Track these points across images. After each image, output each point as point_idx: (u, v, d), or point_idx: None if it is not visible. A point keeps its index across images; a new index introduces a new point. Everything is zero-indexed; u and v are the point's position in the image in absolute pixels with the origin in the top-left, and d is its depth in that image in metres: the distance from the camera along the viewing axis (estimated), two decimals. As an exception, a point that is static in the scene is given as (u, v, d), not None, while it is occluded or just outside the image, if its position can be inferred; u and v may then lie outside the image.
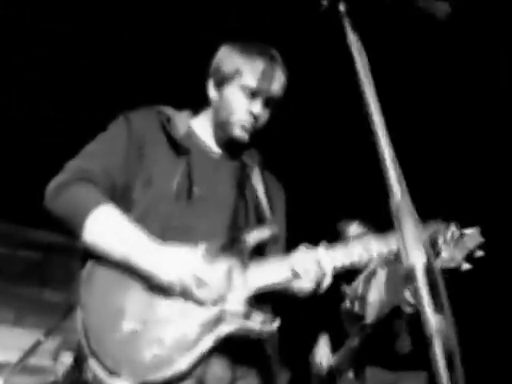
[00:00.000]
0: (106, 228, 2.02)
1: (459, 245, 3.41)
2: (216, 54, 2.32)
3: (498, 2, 3.80)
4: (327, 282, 2.12)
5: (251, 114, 2.23)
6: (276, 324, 2.03)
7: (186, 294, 1.98)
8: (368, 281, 3.95)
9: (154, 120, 2.25)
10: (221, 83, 2.27)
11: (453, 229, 2.65)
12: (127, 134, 2.19)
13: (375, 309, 3.76)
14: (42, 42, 4.06)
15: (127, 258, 1.99)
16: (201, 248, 2.03)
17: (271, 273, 2.10)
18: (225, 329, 2.00)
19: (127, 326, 1.95)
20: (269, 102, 2.26)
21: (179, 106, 2.37)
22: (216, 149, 2.32)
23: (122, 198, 2.12)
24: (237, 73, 2.23)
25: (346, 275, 3.75)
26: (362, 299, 3.90)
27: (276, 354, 2.20)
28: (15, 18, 3.98)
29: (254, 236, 2.13)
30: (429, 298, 1.32)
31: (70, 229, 2.03)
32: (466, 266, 3.40)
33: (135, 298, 1.99)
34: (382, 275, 3.91)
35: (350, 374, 3.68)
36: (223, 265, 2.06)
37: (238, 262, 2.09)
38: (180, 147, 2.22)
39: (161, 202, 2.11)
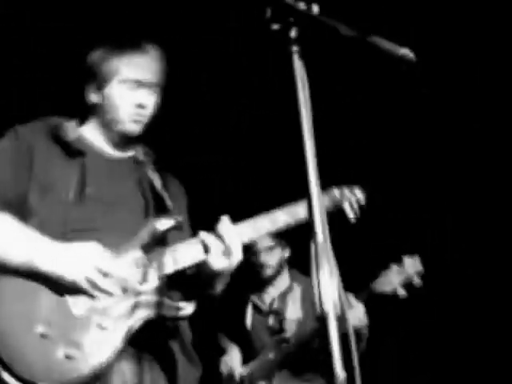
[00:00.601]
0: (1, 235, 2.03)
1: (398, 269, 3.39)
2: (87, 59, 2.32)
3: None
4: (237, 257, 2.14)
5: (138, 105, 2.25)
6: (190, 308, 2.09)
7: (92, 290, 1.99)
8: (284, 296, 3.92)
9: (41, 128, 2.26)
10: (101, 85, 2.27)
11: (357, 192, 2.58)
12: (15, 146, 2.19)
13: (295, 325, 3.76)
14: (42, 42, 4.03)
15: (28, 263, 1.99)
16: (103, 242, 2.05)
17: (181, 257, 2.13)
18: (139, 316, 2.04)
19: (39, 331, 1.94)
20: (152, 90, 2.28)
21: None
22: (110, 151, 2.33)
23: (18, 210, 2.11)
24: (114, 70, 2.24)
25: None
26: (278, 314, 3.85)
27: (186, 352, 2.24)
28: (15, 18, 3.96)
29: (160, 224, 2.15)
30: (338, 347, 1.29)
31: None
32: (402, 293, 3.37)
33: (44, 302, 1.98)
34: (297, 291, 3.90)
35: None
36: (128, 255, 2.08)
37: (144, 251, 2.10)
38: (73, 150, 2.24)
39: (60, 208, 2.11)
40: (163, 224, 2.16)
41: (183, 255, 2.14)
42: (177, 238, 2.21)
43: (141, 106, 2.25)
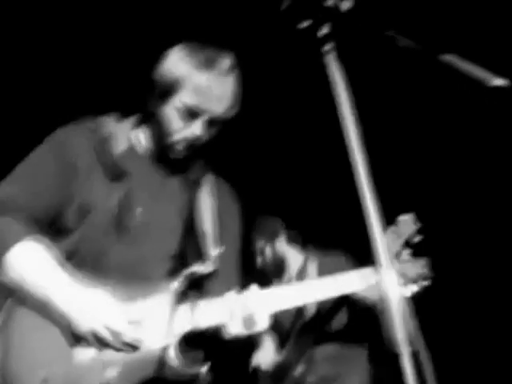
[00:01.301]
0: (25, 266, 1.90)
1: (393, 231, 3.23)
2: (163, 57, 2.05)
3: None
4: (261, 327, 1.94)
5: (190, 133, 1.98)
6: (206, 368, 1.92)
7: (101, 344, 1.86)
8: (301, 275, 3.75)
9: (87, 140, 2.05)
10: (160, 95, 2.01)
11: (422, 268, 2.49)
12: (56, 157, 2.01)
13: (314, 304, 3.55)
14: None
15: (46, 301, 1.87)
16: (120, 291, 1.91)
17: (203, 315, 1.94)
18: (148, 373, 1.89)
19: (41, 376, 1.82)
20: (213, 122, 2.00)
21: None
22: (159, 164, 2.11)
23: (52, 226, 1.98)
24: (176, 85, 1.96)
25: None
26: None
27: None
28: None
29: (191, 272, 1.99)
30: None
31: None
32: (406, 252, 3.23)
33: (52, 343, 1.87)
34: (313, 268, 3.74)
35: (299, 369, 3.54)
36: (146, 308, 1.93)
37: (167, 302, 1.94)
38: (118, 171, 2.03)
39: (97, 234, 1.97)
40: (195, 272, 1.99)
41: (209, 314, 1.96)
42: (212, 283, 2.05)
43: (192, 138, 1.99)
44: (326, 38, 1.45)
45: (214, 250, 2.06)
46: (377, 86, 3.76)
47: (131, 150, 2.10)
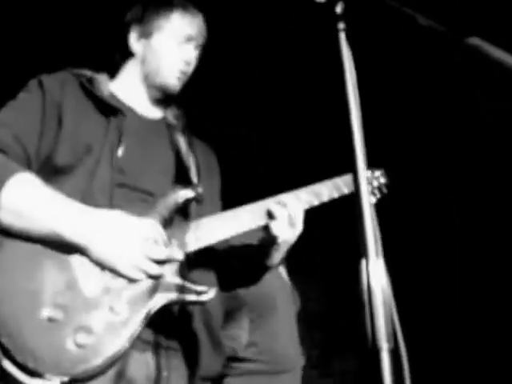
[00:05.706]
0: (26, 199, 1.80)
1: None
2: (136, 5, 2.26)
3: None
4: (299, 228, 2.05)
5: (185, 61, 2.19)
6: (212, 293, 1.92)
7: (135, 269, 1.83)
8: None
9: (71, 81, 2.09)
10: (149, 33, 2.19)
11: (379, 176, 2.51)
12: (41, 97, 1.99)
13: None
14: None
15: (56, 233, 1.78)
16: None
17: (230, 225, 2.03)
18: (157, 300, 1.86)
19: (46, 315, 1.71)
20: (198, 49, 2.25)
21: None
22: (140, 110, 2.20)
23: (45, 166, 1.93)
24: (168, 20, 2.18)
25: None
26: None
27: (213, 338, 2.08)
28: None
29: (179, 196, 1.99)
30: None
31: None
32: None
33: (52, 281, 1.75)
34: None
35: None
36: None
37: (163, 226, 1.94)
38: (109, 108, 2.08)
39: (102, 170, 1.94)
40: (182, 196, 1.99)
41: (233, 224, 2.04)
42: (197, 210, 2.09)
43: (187, 63, 2.20)
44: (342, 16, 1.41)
45: (196, 180, 2.17)
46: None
47: (113, 96, 2.17)
